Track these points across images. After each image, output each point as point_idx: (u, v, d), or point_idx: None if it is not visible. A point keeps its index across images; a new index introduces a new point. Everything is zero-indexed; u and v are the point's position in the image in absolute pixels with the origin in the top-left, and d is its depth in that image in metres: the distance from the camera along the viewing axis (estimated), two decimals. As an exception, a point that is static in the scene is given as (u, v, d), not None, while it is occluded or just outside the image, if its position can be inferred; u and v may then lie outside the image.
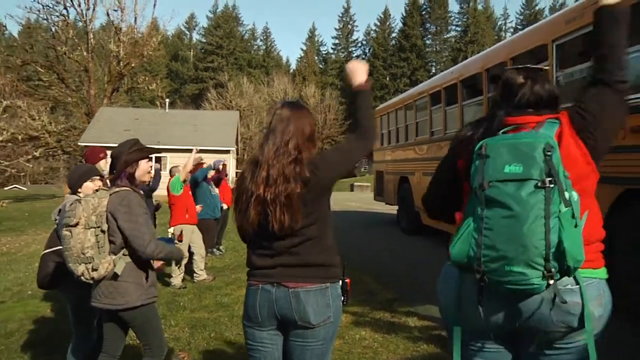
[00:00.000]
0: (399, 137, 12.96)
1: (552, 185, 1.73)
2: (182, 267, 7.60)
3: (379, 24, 75.91)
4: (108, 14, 33.11)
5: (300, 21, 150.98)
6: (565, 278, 1.76)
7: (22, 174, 43.87)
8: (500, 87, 2.13)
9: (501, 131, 1.97)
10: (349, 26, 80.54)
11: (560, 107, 2.03)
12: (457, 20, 73.95)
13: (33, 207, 24.90)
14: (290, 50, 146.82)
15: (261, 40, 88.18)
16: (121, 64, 32.32)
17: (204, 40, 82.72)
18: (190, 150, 7.97)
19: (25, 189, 46.99)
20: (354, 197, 29.62)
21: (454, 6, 74.97)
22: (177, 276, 7.51)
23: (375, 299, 6.44)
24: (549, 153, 1.77)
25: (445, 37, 73.83)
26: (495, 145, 1.87)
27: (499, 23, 76.90)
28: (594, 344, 1.80)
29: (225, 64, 77.55)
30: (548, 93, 2.04)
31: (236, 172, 30.49)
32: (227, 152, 29.80)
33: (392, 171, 13.31)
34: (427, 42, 74.05)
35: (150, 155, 3.49)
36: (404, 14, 72.29)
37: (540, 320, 1.85)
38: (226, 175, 10.69)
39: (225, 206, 9.87)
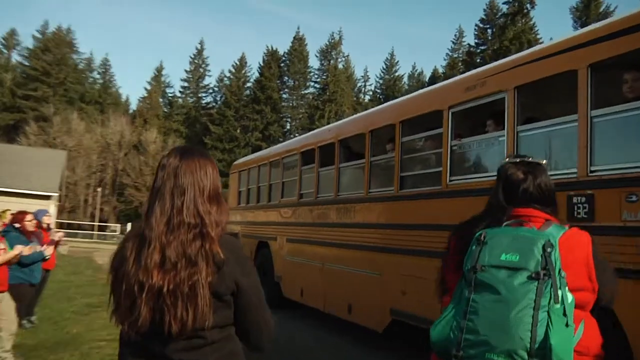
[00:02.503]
0: (260, 196, 12.61)
1: (546, 278, 1.83)
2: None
3: (233, 70, 76.67)
4: None
5: (146, 57, 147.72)
6: None
7: None
8: (502, 182, 2.28)
9: (505, 224, 2.12)
10: (201, 69, 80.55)
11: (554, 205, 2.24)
12: (316, 76, 77.42)
13: None
14: (131, 87, 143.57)
15: (98, 72, 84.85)
16: None
17: (27, 64, 76.74)
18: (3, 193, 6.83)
19: None
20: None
21: (314, 62, 78.22)
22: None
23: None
24: (549, 250, 1.88)
25: (302, 92, 76.67)
26: (496, 234, 2.02)
27: (359, 84, 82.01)
28: None
29: (52, 95, 72.69)
30: (549, 187, 2.24)
31: (58, 224, 27.93)
32: (48, 197, 27.20)
33: (248, 234, 12.82)
34: (284, 96, 76.34)
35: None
36: (262, 64, 74.11)
37: None
38: (49, 227, 9.55)
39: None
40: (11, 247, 6.87)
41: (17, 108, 71.70)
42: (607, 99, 4.49)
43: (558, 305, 1.81)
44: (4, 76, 75.03)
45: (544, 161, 2.37)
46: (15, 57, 79.91)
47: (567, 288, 1.87)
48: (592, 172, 4.44)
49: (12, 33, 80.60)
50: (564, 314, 1.81)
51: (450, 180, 6.20)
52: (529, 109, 5.47)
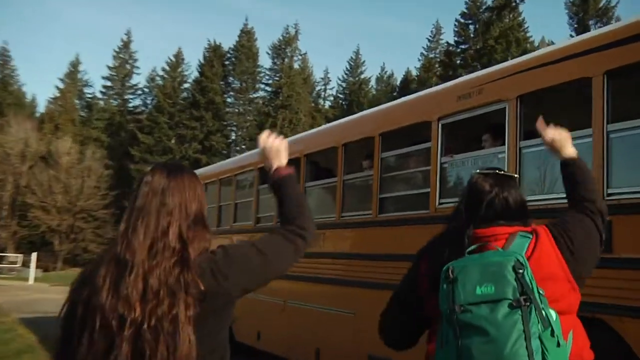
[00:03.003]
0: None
1: (527, 304, 2.00)
2: None
3: (168, 69, 75.98)
4: None
5: (58, 48, 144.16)
6: None
7: None
8: (466, 194, 2.48)
9: (467, 250, 2.26)
10: (128, 66, 79.58)
11: (529, 218, 2.44)
12: (267, 78, 77.43)
13: None
14: (39, 85, 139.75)
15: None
16: None
17: None
18: None
19: None
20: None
21: (265, 60, 78.23)
22: None
23: None
24: (520, 271, 2.05)
25: (251, 96, 76.52)
26: (463, 267, 2.15)
27: (318, 88, 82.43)
28: None
29: None
30: (517, 202, 2.41)
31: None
32: None
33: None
34: (229, 100, 76.05)
35: None
36: (202, 62, 73.80)
37: None
38: None
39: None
40: None
41: None
42: (626, 111, 4.61)
43: (547, 329, 2.00)
44: None
45: (516, 175, 2.59)
46: None
47: (548, 305, 2.08)
48: (609, 195, 4.56)
49: None
50: (553, 335, 2.01)
51: (439, 204, 6.35)
52: (533, 122, 5.62)
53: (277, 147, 2.50)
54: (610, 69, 4.68)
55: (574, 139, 5.01)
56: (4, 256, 57.04)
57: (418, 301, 2.48)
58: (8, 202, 65.45)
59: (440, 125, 6.48)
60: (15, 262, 53.44)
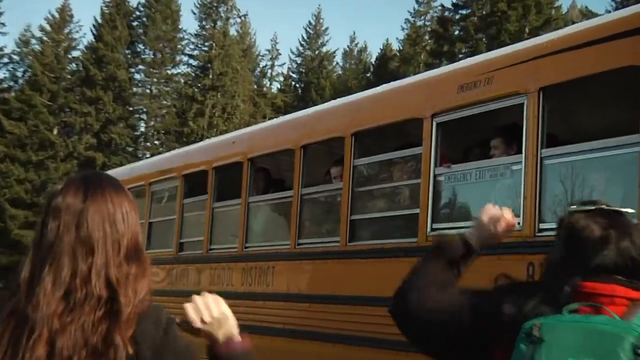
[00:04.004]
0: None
1: None
2: None
3: (49, 28, 75.35)
4: None
5: None
6: None
7: None
8: (563, 241, 2.37)
9: (567, 308, 2.13)
10: (-7, 24, 78.78)
11: None
12: (192, 47, 76.93)
13: None
14: None
15: None
16: None
17: None
18: None
19: None
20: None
21: (189, 23, 78.25)
22: None
23: None
24: None
25: (168, 72, 75.99)
26: (557, 327, 2.06)
27: (263, 64, 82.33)
28: None
29: None
30: None
31: None
32: None
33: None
34: (137, 76, 75.48)
35: None
36: (99, 21, 73.42)
37: None
38: None
39: None
40: None
41: None
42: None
43: None
44: None
45: (631, 210, 2.49)
46: None
47: None
48: None
49: None
50: None
51: (432, 229, 6.49)
52: (559, 123, 5.82)
53: (219, 310, 2.18)
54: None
55: (615, 147, 5.25)
56: None
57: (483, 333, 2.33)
58: None
59: (434, 124, 6.59)
60: None
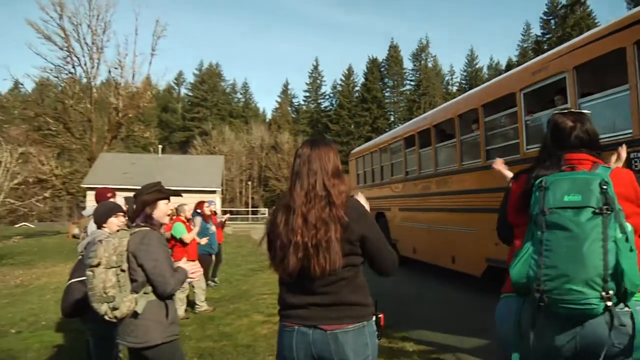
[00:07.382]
0: (374, 177, 12.87)
1: (608, 212, 1.75)
2: (185, 298, 7.24)
3: (344, 79, 77.10)
4: (110, 72, 33.55)
5: (275, 77, 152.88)
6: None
7: (32, 213, 42.87)
8: (550, 130, 2.16)
9: (559, 169, 2.01)
10: (318, 81, 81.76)
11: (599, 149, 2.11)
12: (411, 75, 75.84)
13: (41, 242, 23.99)
14: (266, 102, 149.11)
15: (241, 93, 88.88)
16: (119, 115, 32.18)
17: (191, 94, 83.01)
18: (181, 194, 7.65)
19: (33, 226, 45.37)
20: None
21: (408, 64, 76.69)
22: (180, 307, 7.10)
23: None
24: (604, 187, 1.80)
25: (401, 90, 75.49)
26: (555, 180, 1.90)
27: (447, 78, 79.21)
28: None
29: (209, 115, 77.59)
30: (595, 134, 2.12)
31: (222, 211, 29.91)
32: (214, 192, 29.25)
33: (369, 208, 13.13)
34: (386, 94, 75.58)
35: (168, 197, 3.24)
36: (366, 70, 73.83)
37: (599, 343, 1.77)
38: (215, 213, 10.58)
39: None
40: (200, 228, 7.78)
41: (187, 128, 77.41)
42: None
43: (622, 235, 1.74)
44: (176, 106, 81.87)
45: (588, 112, 2.23)
46: (183, 90, 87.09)
47: (624, 218, 1.80)
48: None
49: (180, 73, 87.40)
50: (627, 241, 1.75)
51: (527, 149, 6.10)
52: (587, 85, 5.28)
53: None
54: (638, 39, 4.33)
55: (616, 93, 4.77)
56: (257, 210, 61.43)
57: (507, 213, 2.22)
58: (256, 177, 70.33)
59: (522, 94, 6.19)
60: (264, 214, 57.62)
